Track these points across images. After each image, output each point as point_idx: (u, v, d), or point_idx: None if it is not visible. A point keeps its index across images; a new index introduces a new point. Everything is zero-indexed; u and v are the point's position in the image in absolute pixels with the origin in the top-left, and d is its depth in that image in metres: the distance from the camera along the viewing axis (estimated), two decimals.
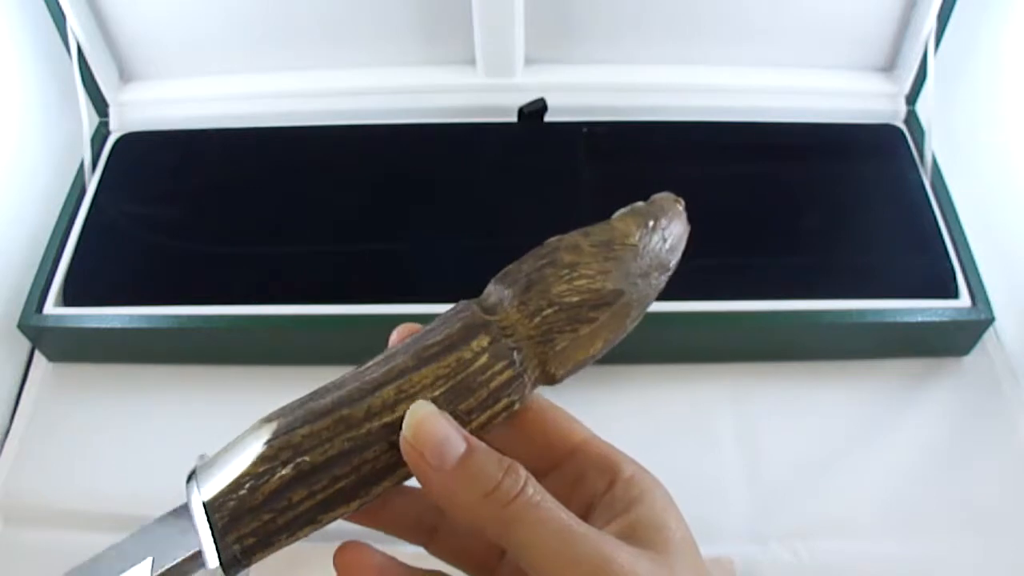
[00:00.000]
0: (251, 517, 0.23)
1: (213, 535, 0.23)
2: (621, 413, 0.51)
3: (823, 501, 0.49)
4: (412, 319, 0.52)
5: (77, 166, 0.59)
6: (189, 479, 0.24)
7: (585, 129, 0.60)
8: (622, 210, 0.29)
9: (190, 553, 0.23)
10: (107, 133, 0.61)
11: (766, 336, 0.52)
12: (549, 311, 0.25)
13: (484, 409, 0.25)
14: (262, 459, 0.23)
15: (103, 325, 0.51)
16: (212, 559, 0.23)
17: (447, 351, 0.25)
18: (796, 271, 0.53)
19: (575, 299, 0.25)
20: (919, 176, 0.58)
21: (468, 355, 0.25)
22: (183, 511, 0.24)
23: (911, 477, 0.50)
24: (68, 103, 0.59)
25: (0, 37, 0.56)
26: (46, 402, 0.54)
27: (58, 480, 0.50)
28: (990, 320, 0.51)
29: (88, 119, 0.60)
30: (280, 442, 0.24)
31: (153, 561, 0.23)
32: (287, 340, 0.53)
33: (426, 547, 0.28)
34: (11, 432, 0.52)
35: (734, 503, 0.49)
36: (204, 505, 0.23)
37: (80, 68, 0.58)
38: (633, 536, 0.24)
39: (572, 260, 0.26)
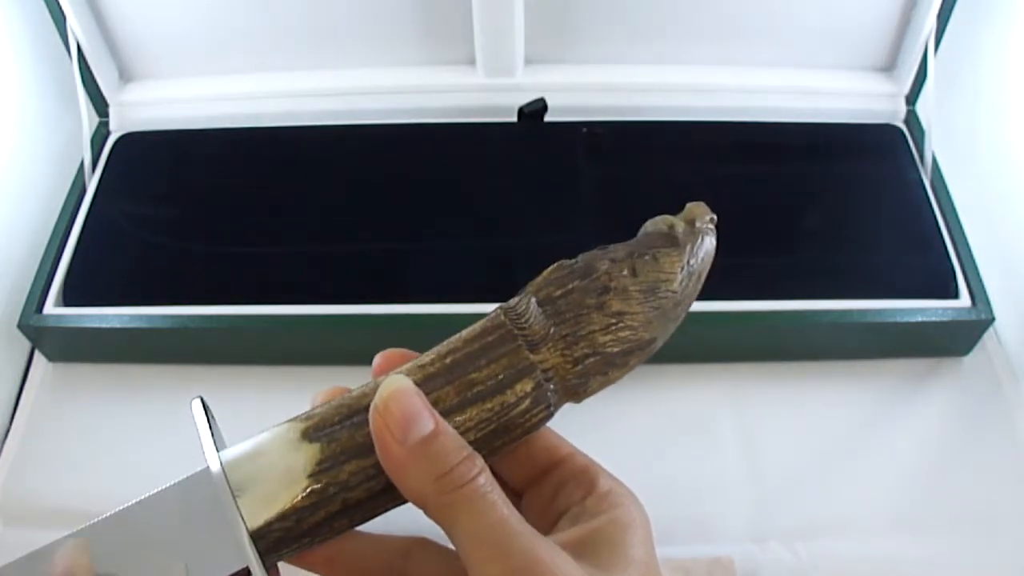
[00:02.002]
0: (293, 543, 0.24)
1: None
2: (621, 413, 0.51)
3: (823, 501, 0.49)
4: (412, 319, 0.52)
5: (77, 166, 0.59)
6: (206, 467, 0.25)
7: (585, 129, 0.60)
8: (660, 225, 0.28)
9: (231, 573, 0.24)
10: (107, 133, 0.61)
11: (766, 336, 0.52)
12: (592, 360, 0.26)
13: (510, 441, 0.26)
14: (311, 493, 0.24)
15: (103, 325, 0.51)
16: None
17: (492, 393, 0.25)
18: (796, 271, 0.53)
19: (616, 349, 0.26)
20: (919, 176, 0.58)
21: (511, 399, 0.25)
22: (212, 508, 0.24)
23: (911, 477, 0.50)
24: (68, 103, 0.59)
25: (0, 37, 0.56)
26: (46, 402, 0.54)
27: (58, 480, 0.50)
28: (990, 320, 0.51)
29: (88, 119, 0.60)
30: (328, 477, 0.24)
31: (187, 569, 0.24)
32: (287, 340, 0.53)
33: None
34: (11, 432, 0.52)
35: (734, 503, 0.49)
36: (250, 534, 0.24)
37: (80, 68, 0.58)
38: (586, 547, 0.24)
39: (620, 309, 0.26)
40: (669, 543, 0.47)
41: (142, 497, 0.25)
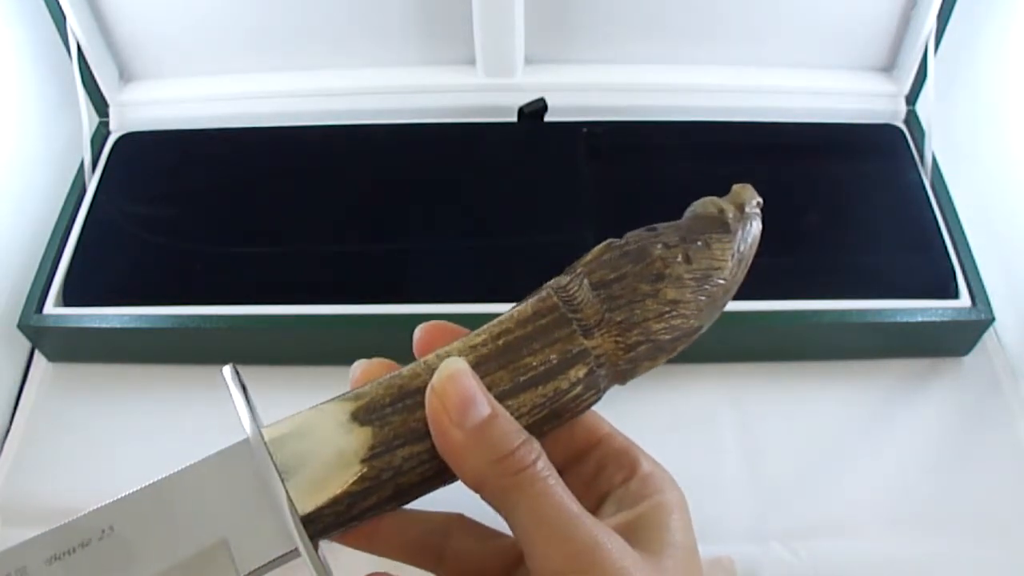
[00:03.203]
0: (341, 526, 0.24)
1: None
2: (621, 413, 0.51)
3: (823, 501, 0.49)
4: (412, 319, 0.52)
5: (77, 166, 0.59)
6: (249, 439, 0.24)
7: (585, 129, 0.60)
8: (710, 208, 0.28)
9: (281, 554, 0.23)
10: (107, 133, 0.61)
11: (766, 336, 0.52)
12: (644, 347, 0.26)
13: (559, 425, 0.26)
14: (363, 478, 0.24)
15: (103, 325, 0.51)
16: (306, 562, 0.23)
17: (545, 378, 0.25)
18: (796, 271, 0.53)
19: (668, 337, 0.26)
20: (919, 176, 0.58)
21: (565, 385, 0.25)
22: (258, 487, 0.23)
23: (911, 477, 0.50)
24: (68, 103, 0.59)
25: (0, 37, 0.56)
26: (46, 402, 0.54)
27: (58, 480, 0.50)
28: (990, 320, 0.51)
29: (88, 119, 0.60)
30: (381, 463, 0.24)
31: (231, 545, 0.23)
32: (287, 340, 0.53)
33: (434, 572, 0.28)
34: (11, 432, 0.52)
35: (734, 503, 0.49)
36: (300, 518, 0.23)
37: (80, 68, 0.58)
38: (632, 532, 0.25)
39: (674, 297, 0.26)
40: None
41: (179, 469, 0.24)
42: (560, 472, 0.27)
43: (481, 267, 0.53)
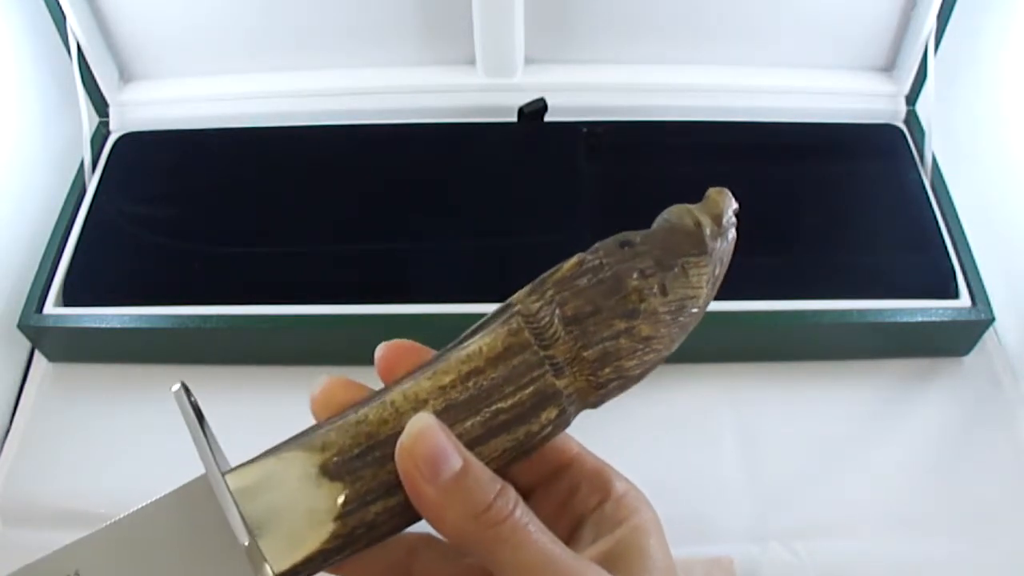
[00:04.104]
0: (313, 573, 0.24)
1: None
2: (621, 414, 0.51)
3: (823, 501, 0.49)
4: (411, 319, 0.52)
5: (77, 166, 0.59)
6: (207, 476, 0.24)
7: (585, 129, 0.60)
8: (686, 219, 0.27)
9: None
10: (107, 133, 0.61)
11: (766, 336, 0.52)
12: (614, 383, 0.26)
13: (525, 458, 0.25)
14: (336, 536, 0.23)
15: (103, 325, 0.51)
16: None
17: (517, 423, 0.24)
18: (796, 271, 0.53)
19: (639, 372, 0.26)
20: (919, 176, 0.58)
21: (536, 428, 0.25)
22: (229, 544, 0.23)
23: (911, 477, 0.50)
24: (68, 103, 0.59)
25: (0, 37, 0.56)
26: (46, 402, 0.54)
27: (58, 480, 0.50)
28: (990, 320, 0.51)
29: (88, 119, 0.60)
30: (354, 520, 0.23)
31: None
32: (286, 340, 0.53)
33: None
34: (11, 432, 0.52)
35: (734, 503, 0.49)
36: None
37: (80, 68, 0.58)
38: (613, 559, 0.25)
39: (649, 334, 0.25)
40: (669, 543, 0.47)
41: (139, 509, 0.24)
42: (529, 495, 0.27)
43: (481, 267, 0.53)
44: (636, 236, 0.26)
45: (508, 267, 0.53)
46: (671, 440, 0.51)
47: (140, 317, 0.51)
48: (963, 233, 0.55)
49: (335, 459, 0.24)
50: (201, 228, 0.56)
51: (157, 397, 0.53)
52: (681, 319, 0.26)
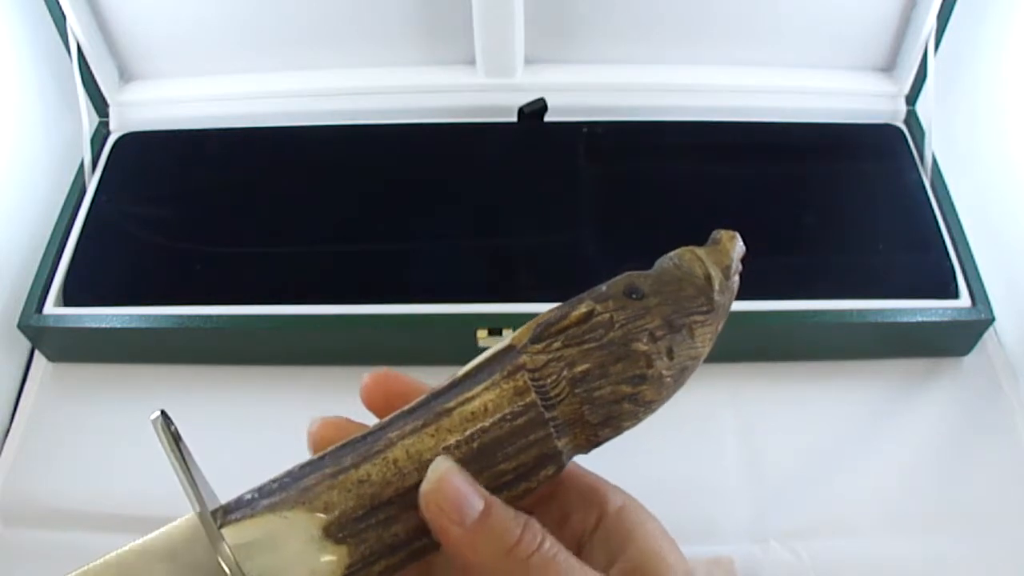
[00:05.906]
0: None
1: None
2: None
3: (823, 501, 0.49)
4: (411, 319, 0.52)
5: (77, 166, 0.59)
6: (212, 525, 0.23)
7: (585, 129, 0.60)
8: (695, 268, 0.26)
9: None
10: (107, 133, 0.61)
11: (766, 336, 0.52)
12: (610, 438, 0.26)
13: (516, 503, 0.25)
14: None
15: (103, 325, 0.51)
16: None
17: (517, 482, 0.25)
18: (796, 271, 0.53)
19: (633, 427, 0.26)
20: (919, 176, 0.58)
21: (534, 484, 0.25)
22: None
23: (911, 477, 0.50)
24: (68, 103, 0.59)
25: (0, 37, 0.56)
26: (46, 402, 0.54)
27: (58, 480, 0.50)
28: (990, 320, 0.51)
29: (88, 119, 0.60)
30: None
31: None
32: (287, 340, 0.53)
33: None
34: (11, 432, 0.52)
35: (734, 503, 0.49)
36: None
37: (80, 68, 0.58)
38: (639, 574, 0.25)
39: (651, 399, 0.25)
40: None
41: (127, 550, 0.23)
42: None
43: (481, 267, 0.53)
44: (644, 282, 0.26)
45: (508, 267, 0.53)
46: (671, 440, 0.51)
47: (140, 317, 0.51)
48: (963, 233, 0.55)
49: (339, 522, 0.24)
50: (201, 228, 0.56)
51: (157, 397, 0.53)
52: (682, 379, 0.26)
